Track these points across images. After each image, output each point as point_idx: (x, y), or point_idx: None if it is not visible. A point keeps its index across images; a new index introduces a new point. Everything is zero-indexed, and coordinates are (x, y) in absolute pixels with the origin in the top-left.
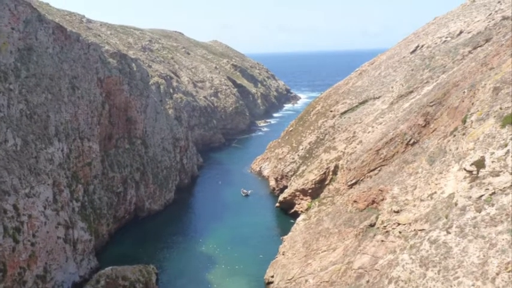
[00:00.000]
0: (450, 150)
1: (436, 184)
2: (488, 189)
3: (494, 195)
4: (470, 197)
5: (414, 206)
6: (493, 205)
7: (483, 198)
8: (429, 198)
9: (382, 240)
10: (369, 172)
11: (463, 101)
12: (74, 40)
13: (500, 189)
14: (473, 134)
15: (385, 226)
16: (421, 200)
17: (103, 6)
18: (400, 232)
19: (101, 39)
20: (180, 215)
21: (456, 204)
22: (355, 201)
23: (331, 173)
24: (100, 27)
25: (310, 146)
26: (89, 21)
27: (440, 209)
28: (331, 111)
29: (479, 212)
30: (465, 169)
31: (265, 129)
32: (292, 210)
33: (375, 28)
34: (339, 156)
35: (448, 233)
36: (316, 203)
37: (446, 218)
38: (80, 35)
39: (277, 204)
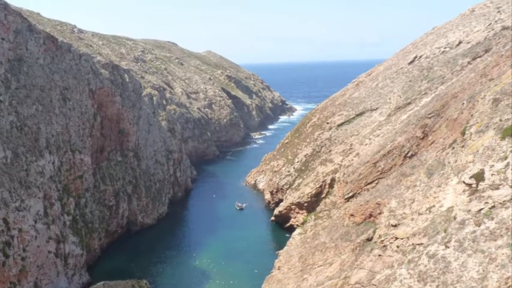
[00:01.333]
0: (449, 162)
1: (435, 197)
2: (487, 202)
3: (494, 209)
4: (470, 211)
5: (412, 219)
6: (492, 219)
7: (482, 211)
8: (427, 211)
9: (380, 255)
10: (366, 185)
11: (462, 113)
12: (65, 50)
13: (500, 203)
14: (473, 147)
15: (382, 240)
16: (419, 214)
17: (95, 16)
18: (397, 246)
19: (92, 50)
20: (173, 229)
21: (455, 218)
22: (352, 215)
23: (327, 186)
24: (92, 38)
25: (306, 159)
26: (81, 31)
27: (438, 223)
28: (327, 123)
29: (479, 226)
30: (464, 182)
31: (260, 141)
32: (288, 224)
33: (372, 38)
34: (336, 169)
35: (447, 247)
36: (312, 216)
37: (445, 232)
38: (71, 45)
39: (273, 218)
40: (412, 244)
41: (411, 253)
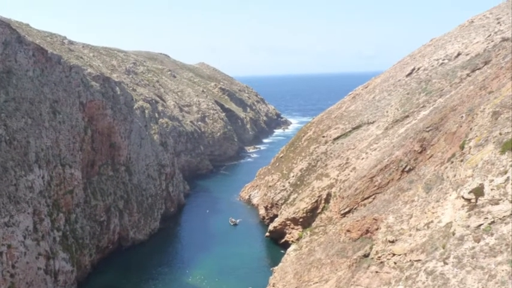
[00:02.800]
0: (447, 177)
1: (433, 213)
2: (487, 218)
3: (494, 225)
4: (469, 226)
5: (410, 235)
6: (492, 235)
7: (482, 227)
8: (426, 227)
9: (377, 271)
10: (362, 200)
11: (461, 126)
12: (55, 62)
13: (500, 218)
14: (472, 161)
15: (379, 256)
16: (417, 230)
17: (86, 27)
18: (395, 263)
19: (83, 62)
20: (165, 245)
21: (454, 233)
22: (348, 231)
23: (323, 201)
24: (82, 49)
25: (302, 173)
26: (71, 42)
27: (437, 239)
28: (323, 136)
29: (478, 242)
30: (463, 197)
31: (255, 155)
32: (283, 240)
33: (369, 50)
34: (332, 183)
35: (446, 263)
36: (308, 232)
37: (444, 248)
38: (61, 57)
39: (267, 234)
40: (410, 260)
41: (409, 270)
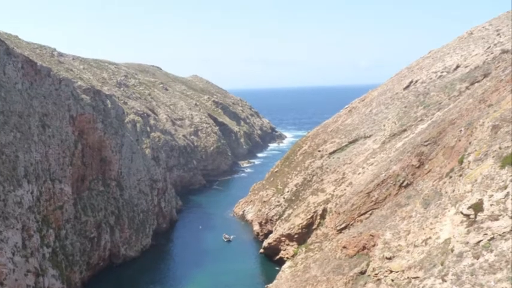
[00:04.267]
0: (446, 192)
1: (431, 229)
2: (486, 234)
3: (493, 241)
4: (468, 243)
5: (408, 252)
6: (491, 251)
7: (481, 243)
8: (424, 243)
9: None
10: (359, 216)
11: (459, 140)
12: (45, 75)
13: (500, 234)
14: (471, 176)
15: (376, 274)
16: (415, 246)
17: (76, 39)
18: (392, 280)
19: (73, 74)
20: (157, 262)
21: (452, 250)
22: (344, 247)
23: (319, 217)
24: (72, 62)
25: (297, 188)
26: (61, 54)
27: (435, 256)
28: (319, 151)
29: (477, 259)
30: (462, 213)
31: (249, 170)
32: (278, 257)
33: (365, 62)
34: (328, 199)
35: (444, 281)
36: (303, 248)
37: (442, 265)
38: (50, 69)
39: (262, 250)
40: (408, 278)
41: (406, 287)
